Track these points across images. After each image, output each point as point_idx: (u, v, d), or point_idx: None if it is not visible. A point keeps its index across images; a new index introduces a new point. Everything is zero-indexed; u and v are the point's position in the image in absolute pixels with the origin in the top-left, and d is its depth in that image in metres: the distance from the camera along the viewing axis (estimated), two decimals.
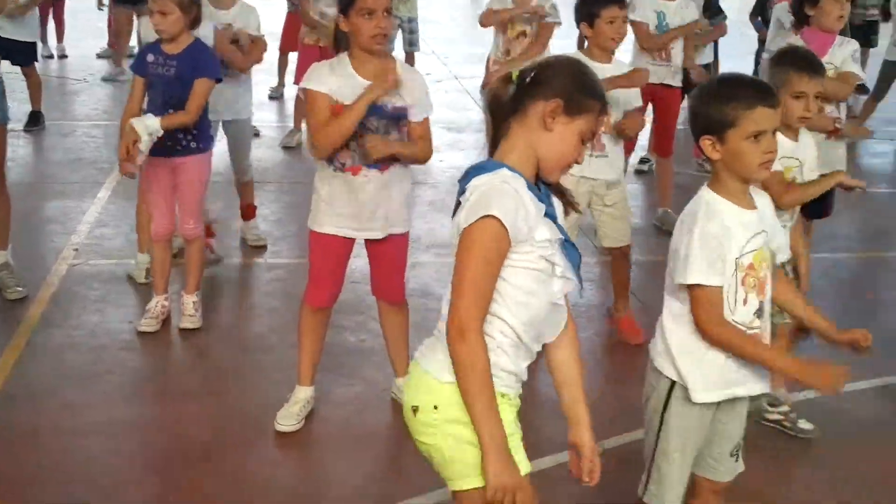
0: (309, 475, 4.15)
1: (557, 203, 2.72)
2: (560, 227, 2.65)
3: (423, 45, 11.72)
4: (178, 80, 5.12)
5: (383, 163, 4.24)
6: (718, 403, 3.10)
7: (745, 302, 2.98)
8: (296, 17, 9.67)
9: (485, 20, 7.39)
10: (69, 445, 4.29)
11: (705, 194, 3.01)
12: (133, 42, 11.86)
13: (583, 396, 2.86)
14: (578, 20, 5.21)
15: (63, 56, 13.09)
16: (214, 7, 6.12)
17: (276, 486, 4.03)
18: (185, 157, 5.26)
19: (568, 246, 2.65)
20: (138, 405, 4.63)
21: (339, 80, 4.14)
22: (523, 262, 2.57)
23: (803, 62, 4.07)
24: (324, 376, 4.70)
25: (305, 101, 4.25)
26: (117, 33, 12.18)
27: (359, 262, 6.25)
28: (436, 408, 2.62)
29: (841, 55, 5.36)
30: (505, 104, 2.63)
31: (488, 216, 2.48)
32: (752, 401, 3.20)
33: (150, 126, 5.00)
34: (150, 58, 5.19)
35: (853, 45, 5.48)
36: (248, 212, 6.82)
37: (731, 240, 2.93)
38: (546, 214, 2.60)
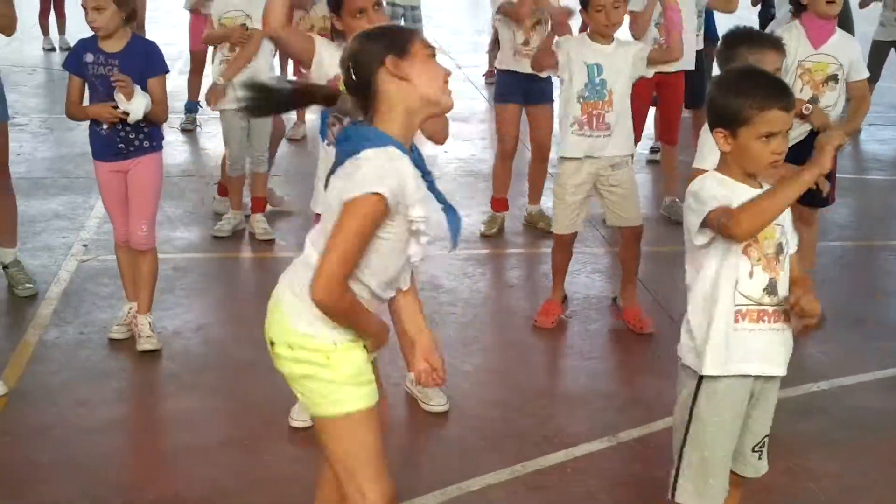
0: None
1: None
2: (440, 195, 2.85)
3: (426, 34, 11.71)
4: None
5: None
6: (750, 399, 3.12)
7: (750, 275, 3.00)
8: None
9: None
10: (84, 442, 4.32)
11: (711, 176, 3.06)
12: None
13: (425, 325, 3.10)
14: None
15: (66, 49, 13.08)
16: None
17: (291, 481, 4.05)
18: (139, 157, 5.02)
19: (450, 212, 2.87)
20: (152, 402, 4.66)
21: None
22: (393, 235, 2.77)
23: (754, 39, 4.30)
24: None
25: None
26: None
27: None
28: (290, 347, 2.91)
29: (848, 55, 5.30)
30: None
31: (375, 193, 2.65)
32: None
33: (142, 105, 4.84)
34: (90, 58, 4.90)
35: (856, 45, 5.45)
36: (256, 204, 6.84)
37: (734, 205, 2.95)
38: (428, 182, 2.83)
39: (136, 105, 4.83)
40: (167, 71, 5.09)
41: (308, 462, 4.18)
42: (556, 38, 5.61)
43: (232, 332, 5.45)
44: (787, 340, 3.12)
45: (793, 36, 5.31)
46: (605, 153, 5.24)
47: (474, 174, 8.26)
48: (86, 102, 5.03)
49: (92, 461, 4.17)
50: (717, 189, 2.99)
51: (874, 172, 9.05)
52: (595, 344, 5.39)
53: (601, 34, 5.23)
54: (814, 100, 5.29)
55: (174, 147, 8.92)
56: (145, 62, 4.94)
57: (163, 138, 5.21)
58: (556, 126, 5.80)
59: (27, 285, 5.69)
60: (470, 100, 11.09)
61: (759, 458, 3.25)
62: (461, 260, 6.29)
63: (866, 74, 5.47)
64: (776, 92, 2.96)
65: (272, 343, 2.95)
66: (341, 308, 2.77)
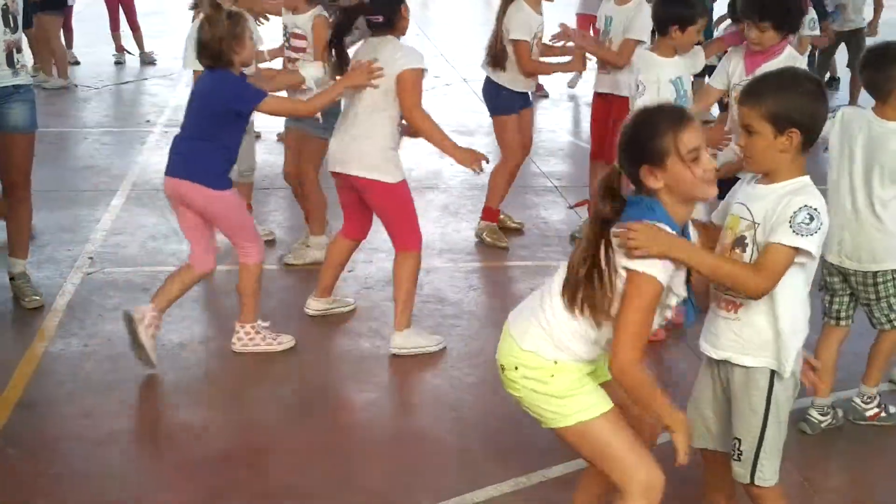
0: (327, 481, 4.16)
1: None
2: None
3: (432, 48, 11.72)
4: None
5: None
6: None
7: None
8: None
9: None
10: (89, 454, 4.33)
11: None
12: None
13: None
14: (668, 20, 5.35)
15: (74, 63, 13.13)
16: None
17: (294, 492, 4.06)
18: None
19: (688, 289, 3.17)
20: (156, 414, 4.66)
21: None
22: None
23: None
24: (339, 382, 4.73)
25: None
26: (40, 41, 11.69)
27: (371, 268, 6.30)
28: (516, 368, 3.22)
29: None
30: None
31: (655, 277, 2.98)
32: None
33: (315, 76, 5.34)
34: None
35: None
36: None
37: None
38: None
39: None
40: None
41: (310, 476, 4.19)
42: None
43: (228, 344, 5.44)
44: None
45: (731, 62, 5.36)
46: None
47: (480, 187, 8.25)
48: None
49: (97, 473, 4.19)
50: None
51: None
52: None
53: (685, 50, 5.41)
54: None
55: None
56: None
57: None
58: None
59: (34, 297, 5.70)
60: (475, 113, 11.08)
61: None
62: (466, 272, 6.30)
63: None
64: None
65: (503, 367, 3.27)
66: (637, 382, 3.06)
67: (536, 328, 3.19)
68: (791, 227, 3.07)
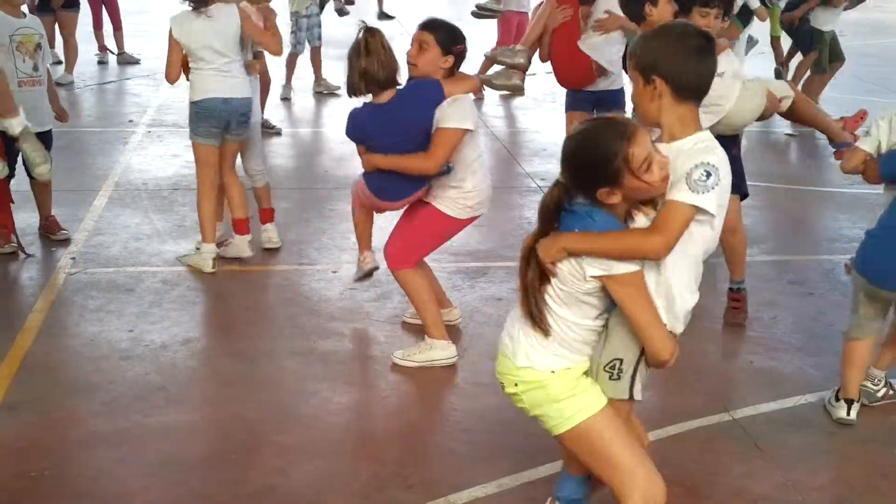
0: (311, 482, 4.14)
1: None
2: None
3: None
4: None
5: None
6: None
7: None
8: None
9: None
10: (72, 455, 4.31)
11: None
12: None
13: None
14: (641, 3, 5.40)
15: (56, 62, 13.05)
16: None
17: (278, 493, 4.04)
18: None
19: None
20: (139, 415, 4.63)
21: None
22: None
23: None
24: (323, 384, 4.71)
25: None
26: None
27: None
28: (516, 384, 3.27)
29: None
30: None
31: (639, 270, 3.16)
32: None
33: None
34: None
35: None
36: (266, 215, 6.85)
37: None
38: None
39: None
40: None
41: (295, 477, 4.18)
42: None
43: (219, 345, 5.44)
44: None
45: None
46: None
47: None
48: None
49: (80, 474, 4.16)
50: None
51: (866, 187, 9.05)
52: None
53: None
54: None
55: (164, 160, 8.92)
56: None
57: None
58: None
59: None
60: None
61: None
62: (449, 273, 6.29)
63: None
64: None
65: (503, 385, 3.32)
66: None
67: (528, 346, 3.22)
68: (687, 184, 3.05)
